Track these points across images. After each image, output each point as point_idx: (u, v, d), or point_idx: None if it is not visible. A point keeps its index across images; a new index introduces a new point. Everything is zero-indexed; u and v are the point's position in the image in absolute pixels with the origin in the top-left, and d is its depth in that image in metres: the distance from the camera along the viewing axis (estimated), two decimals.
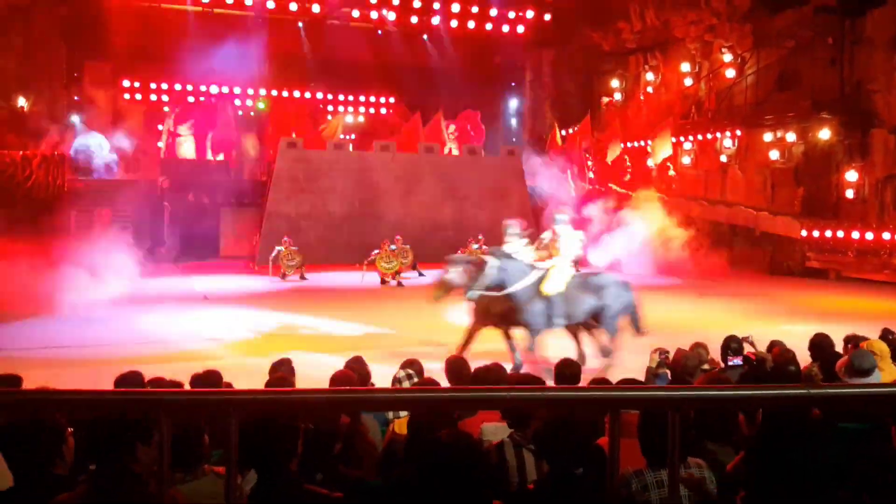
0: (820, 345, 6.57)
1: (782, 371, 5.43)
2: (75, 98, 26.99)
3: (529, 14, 29.62)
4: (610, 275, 10.57)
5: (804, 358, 6.51)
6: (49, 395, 2.07)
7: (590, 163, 28.79)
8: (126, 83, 29.06)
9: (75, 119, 26.82)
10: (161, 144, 29.40)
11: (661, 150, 25.36)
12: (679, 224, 22.20)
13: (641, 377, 6.37)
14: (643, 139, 27.23)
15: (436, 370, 6.09)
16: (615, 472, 2.39)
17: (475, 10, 29.09)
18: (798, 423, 2.95)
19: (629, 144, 27.86)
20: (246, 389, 2.16)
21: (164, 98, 30.00)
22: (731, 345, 7.00)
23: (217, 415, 1.95)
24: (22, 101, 24.38)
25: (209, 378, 5.30)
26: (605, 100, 30.88)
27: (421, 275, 20.44)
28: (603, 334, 9.62)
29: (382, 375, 6.46)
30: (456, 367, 5.71)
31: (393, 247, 19.43)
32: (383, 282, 18.93)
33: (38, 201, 22.42)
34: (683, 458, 3.38)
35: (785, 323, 12.79)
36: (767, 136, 22.98)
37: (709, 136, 24.88)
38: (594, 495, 3.08)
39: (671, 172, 26.37)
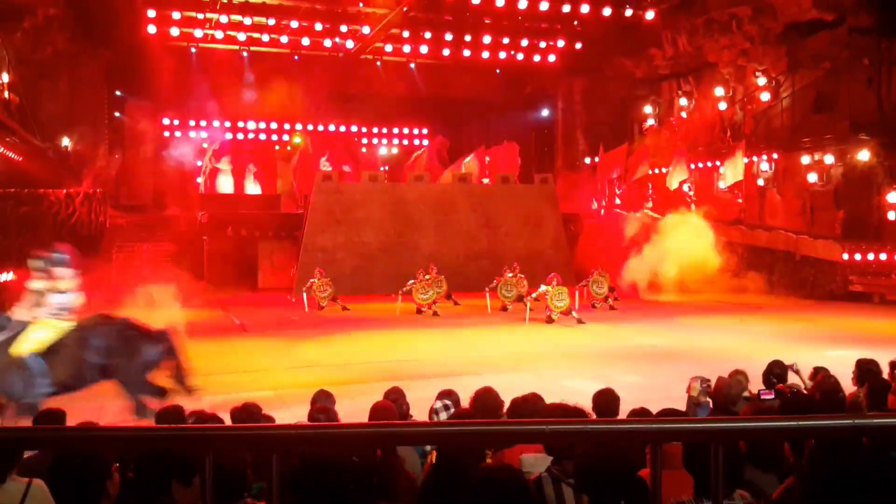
0: (866, 369, 6.41)
1: (829, 400, 5.30)
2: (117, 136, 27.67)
3: (560, 43, 29.74)
4: (127, 324, 8.57)
5: (849, 384, 6.37)
6: (93, 431, 2.11)
7: (617, 190, 28.71)
8: (166, 121, 29.72)
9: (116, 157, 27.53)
10: (200, 180, 29.93)
11: (731, 172, 24.99)
12: (719, 248, 22.03)
13: (681, 406, 6.27)
14: (692, 162, 27.05)
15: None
16: (658, 503, 2.36)
17: (506, 40, 29.31)
18: (849, 451, 2.88)
19: (657, 170, 27.72)
20: (287, 424, 2.19)
21: (203, 134, 30.60)
22: (775, 370, 6.85)
23: (259, 450, 1.98)
24: (66, 141, 25.06)
25: (248, 411, 5.34)
26: (649, 123, 30.75)
27: (456, 304, 20.46)
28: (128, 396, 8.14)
29: (420, 404, 6.46)
30: (484, 397, 5.63)
31: (426, 276, 19.50)
32: (419, 311, 18.96)
33: (80, 238, 22.92)
34: (731, 489, 3.31)
35: (829, 348, 12.54)
36: (805, 159, 22.72)
37: (745, 159, 24.64)
38: None
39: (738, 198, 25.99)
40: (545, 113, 34.99)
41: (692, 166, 26.39)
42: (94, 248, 22.63)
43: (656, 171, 27.54)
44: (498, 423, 2.92)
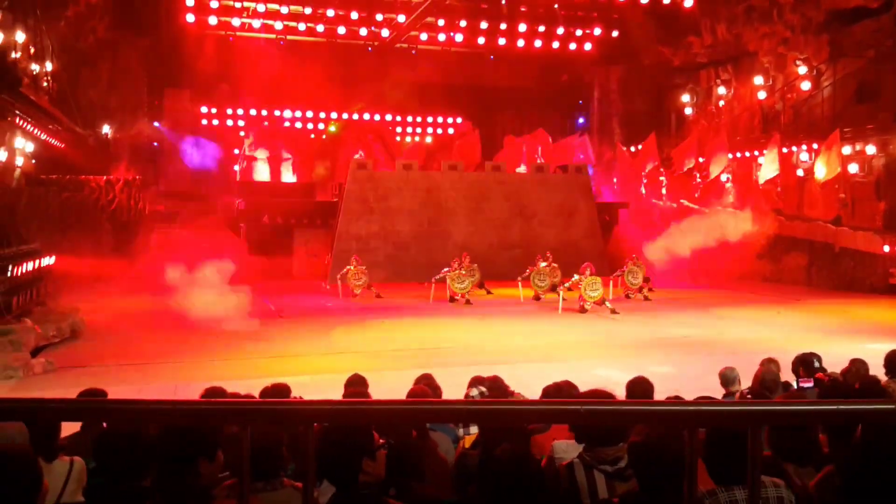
0: (894, 360, 6.32)
1: (867, 389, 5.23)
2: (155, 124, 28.05)
3: (597, 31, 29.48)
4: None
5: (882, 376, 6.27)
6: (133, 404, 2.15)
7: (663, 179, 28.40)
8: (203, 109, 30.04)
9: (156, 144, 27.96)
10: (237, 168, 30.24)
11: (769, 166, 24.61)
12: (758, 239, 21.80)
13: (716, 396, 6.23)
14: (709, 154, 26.74)
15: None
16: (693, 491, 2.35)
17: (542, 28, 29.12)
18: (891, 441, 2.84)
19: (701, 160, 27.40)
20: (323, 400, 2.22)
21: (241, 123, 30.88)
22: (805, 361, 6.78)
23: (294, 425, 2.01)
24: (106, 129, 25.48)
25: (278, 391, 5.40)
26: (688, 112, 30.39)
27: (489, 293, 20.46)
28: None
29: (453, 391, 6.48)
30: (493, 386, 5.63)
31: (460, 266, 19.51)
32: (452, 299, 18.99)
33: (120, 223, 23.35)
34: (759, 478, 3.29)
35: (867, 341, 12.33)
36: (846, 150, 22.29)
37: (784, 150, 24.25)
38: None
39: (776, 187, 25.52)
40: (581, 102, 34.75)
41: (729, 156, 26.03)
42: (133, 233, 23.04)
43: (700, 160, 27.24)
44: (533, 403, 2.93)
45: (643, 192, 28.69)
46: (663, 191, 28.31)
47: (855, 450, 2.95)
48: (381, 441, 3.62)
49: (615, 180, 30.48)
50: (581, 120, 34.67)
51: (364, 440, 3.24)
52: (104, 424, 3.57)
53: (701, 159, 27.06)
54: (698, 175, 27.31)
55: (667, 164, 28.46)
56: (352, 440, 3.15)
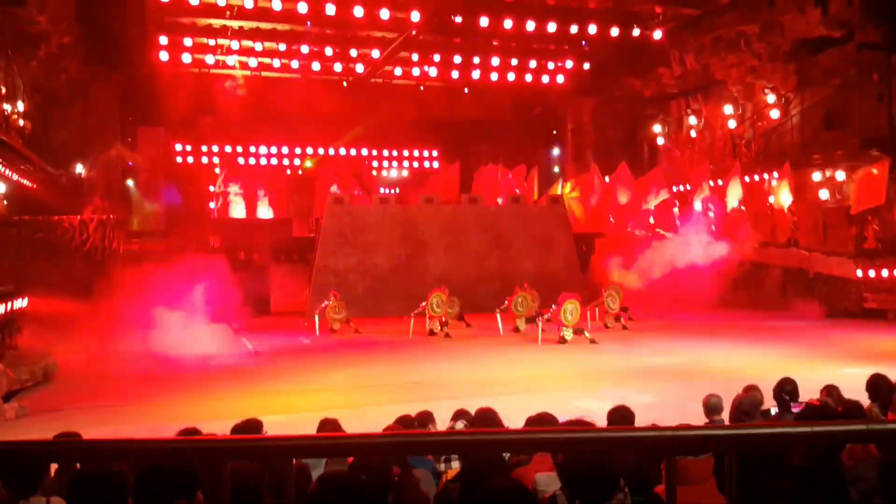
0: (877, 385, 6.36)
1: (851, 412, 5.27)
2: (129, 164, 27.92)
3: (569, 64, 29.89)
4: None
5: (864, 401, 6.29)
6: (106, 443, 2.11)
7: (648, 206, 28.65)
8: (178, 146, 29.98)
9: (129, 183, 27.80)
10: (213, 205, 30.13)
11: (733, 193, 25.00)
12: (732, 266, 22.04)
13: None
14: (690, 183, 27.10)
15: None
16: None
17: (514, 62, 29.49)
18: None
19: (675, 188, 27.72)
20: (301, 435, 2.19)
21: (215, 160, 30.84)
22: (786, 387, 6.80)
23: (272, 461, 1.98)
24: (80, 168, 25.31)
25: (249, 428, 5.30)
26: (661, 141, 30.80)
27: (468, 325, 20.40)
28: None
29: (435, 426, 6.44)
30: (485, 416, 5.62)
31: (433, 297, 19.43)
32: (431, 333, 18.92)
33: (94, 263, 23.08)
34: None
35: (844, 366, 12.43)
36: (816, 176, 22.66)
37: (756, 177, 24.60)
38: None
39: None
40: (555, 132, 35.12)
41: (712, 184, 26.30)
42: (108, 273, 22.76)
43: (680, 189, 27.56)
44: (512, 432, 2.91)
45: (611, 220, 28.93)
46: (651, 220, 28.50)
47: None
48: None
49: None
50: (555, 150, 35.02)
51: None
52: (78, 466, 3.50)
53: (681, 188, 27.39)
54: (677, 203, 27.54)
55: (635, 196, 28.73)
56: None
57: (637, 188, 28.59)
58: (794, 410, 6.30)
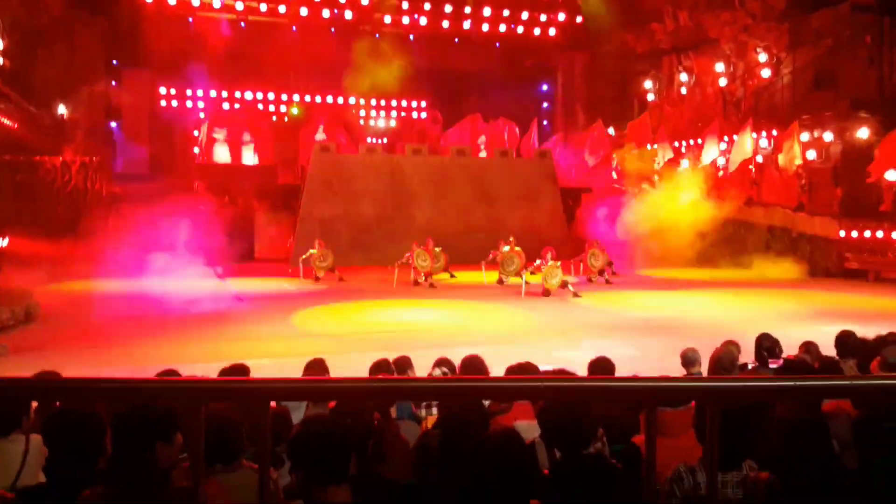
0: (845, 342, 6.46)
1: (827, 367, 5.35)
2: (113, 105, 27.49)
3: (561, 17, 29.52)
4: None
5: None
6: (84, 382, 2.09)
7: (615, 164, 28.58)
8: (163, 90, 29.50)
9: (113, 125, 27.41)
10: (196, 150, 29.79)
11: (709, 152, 24.89)
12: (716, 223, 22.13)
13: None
14: (682, 139, 27.00)
15: None
16: (652, 469, 2.35)
17: (506, 13, 29.10)
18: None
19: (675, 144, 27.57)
20: (282, 378, 2.17)
21: (200, 104, 30.39)
22: (765, 343, 6.89)
23: (252, 403, 1.97)
24: (62, 109, 24.88)
25: (237, 371, 5.33)
26: (651, 97, 30.59)
27: (452, 276, 20.46)
28: None
29: (417, 374, 6.47)
30: (472, 364, 5.66)
31: (421, 249, 19.44)
32: (415, 283, 18.96)
33: (76, 205, 22.86)
34: (740, 459, 3.28)
35: (822, 324, 12.57)
36: (804, 136, 22.64)
37: (754, 135, 24.53)
38: (633, 493, 3.05)
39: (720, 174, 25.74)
40: (545, 87, 34.80)
41: (692, 142, 26.32)
42: (90, 215, 22.58)
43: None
44: (494, 380, 2.91)
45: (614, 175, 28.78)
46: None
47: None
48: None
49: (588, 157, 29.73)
50: (545, 105, 34.74)
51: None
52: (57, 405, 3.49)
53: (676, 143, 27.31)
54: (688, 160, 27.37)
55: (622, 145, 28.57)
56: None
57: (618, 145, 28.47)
58: (773, 366, 6.38)
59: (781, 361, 6.29)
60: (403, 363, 6.25)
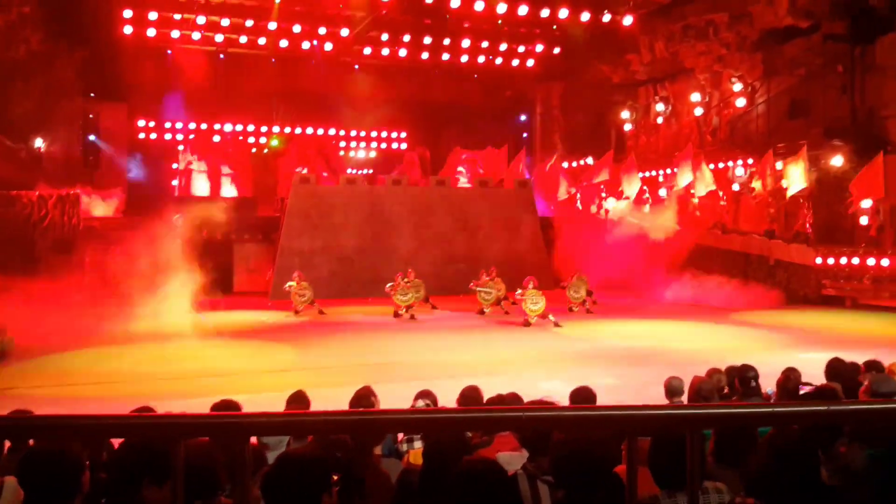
0: (836, 369, 6.48)
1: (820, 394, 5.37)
2: (90, 138, 27.37)
3: (539, 48, 29.86)
4: None
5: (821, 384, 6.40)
6: (62, 419, 2.05)
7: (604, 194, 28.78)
8: (141, 122, 29.45)
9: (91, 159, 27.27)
10: (175, 182, 29.68)
11: (683, 178, 25.19)
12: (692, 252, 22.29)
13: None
14: (659, 169, 27.30)
15: (451, 401, 6.05)
16: (634, 498, 2.34)
17: (485, 45, 29.38)
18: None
19: (647, 174, 27.87)
20: (262, 412, 2.14)
21: (178, 137, 30.34)
22: (748, 374, 6.90)
23: (231, 438, 1.93)
24: (39, 143, 24.74)
25: (227, 408, 5.26)
26: (628, 127, 30.96)
27: (434, 308, 20.40)
28: None
29: (398, 406, 6.40)
30: (470, 395, 5.66)
31: (405, 280, 19.40)
32: (396, 315, 18.88)
33: (53, 240, 22.62)
34: (700, 482, 3.30)
35: (802, 351, 12.65)
36: (779, 164, 22.94)
37: (721, 164, 24.84)
38: None
39: (694, 200, 26.05)
40: (524, 117, 35.10)
41: (668, 171, 26.61)
42: (68, 250, 22.32)
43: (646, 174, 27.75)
44: (474, 410, 2.89)
45: (579, 205, 29.07)
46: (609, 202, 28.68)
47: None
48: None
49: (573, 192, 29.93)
50: (524, 135, 35.01)
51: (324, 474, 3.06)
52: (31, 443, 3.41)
53: (649, 173, 27.60)
54: (647, 190, 27.68)
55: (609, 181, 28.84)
56: (311, 474, 3.00)
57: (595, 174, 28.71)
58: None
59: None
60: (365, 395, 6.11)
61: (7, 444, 4.33)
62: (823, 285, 20.99)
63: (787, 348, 13.39)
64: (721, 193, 25.09)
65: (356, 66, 30.27)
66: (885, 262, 19.59)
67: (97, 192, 25.49)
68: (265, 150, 32.06)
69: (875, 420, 2.22)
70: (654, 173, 27.76)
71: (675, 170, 26.05)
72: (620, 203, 26.94)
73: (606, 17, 26.41)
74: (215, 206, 24.40)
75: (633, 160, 26.34)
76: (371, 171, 31.50)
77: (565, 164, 30.40)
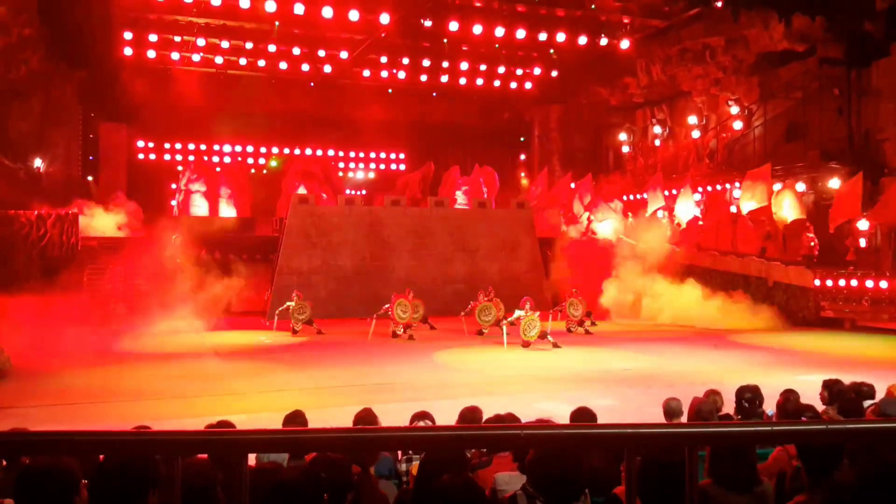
0: (832, 388, 6.48)
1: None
2: (90, 158, 27.44)
3: (537, 71, 30.05)
4: None
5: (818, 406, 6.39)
6: (56, 435, 2.04)
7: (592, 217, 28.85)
8: (140, 143, 29.55)
9: (90, 179, 27.30)
10: (174, 202, 29.72)
11: (684, 201, 25.31)
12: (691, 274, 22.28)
13: None
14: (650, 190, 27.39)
15: (449, 422, 6.02)
16: None
17: (483, 67, 29.57)
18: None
19: (632, 197, 27.98)
20: (260, 429, 2.13)
21: (178, 157, 30.44)
22: (746, 395, 6.88)
23: (229, 456, 1.92)
24: (38, 163, 24.80)
25: (224, 427, 5.24)
26: (626, 150, 31.10)
27: (432, 328, 20.36)
28: None
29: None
30: (470, 416, 5.64)
31: (402, 301, 19.35)
32: (394, 335, 18.83)
33: (52, 259, 22.60)
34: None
35: (801, 373, 12.62)
36: (777, 187, 23.02)
37: (718, 187, 24.93)
38: None
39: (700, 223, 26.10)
40: (522, 139, 35.25)
41: (666, 193, 26.67)
42: (66, 269, 22.30)
43: (631, 197, 27.81)
44: (473, 428, 2.88)
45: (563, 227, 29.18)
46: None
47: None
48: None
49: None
50: (522, 156, 35.15)
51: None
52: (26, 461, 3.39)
53: (633, 196, 27.69)
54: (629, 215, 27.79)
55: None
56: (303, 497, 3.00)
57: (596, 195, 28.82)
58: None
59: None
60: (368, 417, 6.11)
61: (3, 462, 4.30)
62: (822, 307, 20.98)
63: (785, 370, 13.35)
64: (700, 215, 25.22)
65: (355, 88, 30.41)
66: (883, 284, 19.60)
67: (99, 204, 25.45)
68: (264, 171, 32.15)
69: (876, 439, 2.21)
70: (647, 195, 27.83)
71: (646, 195, 26.20)
72: (605, 224, 26.98)
73: (604, 41, 26.60)
74: (214, 225, 24.43)
75: (659, 177, 26.36)
76: (364, 193, 31.62)
77: (573, 185, 30.39)
